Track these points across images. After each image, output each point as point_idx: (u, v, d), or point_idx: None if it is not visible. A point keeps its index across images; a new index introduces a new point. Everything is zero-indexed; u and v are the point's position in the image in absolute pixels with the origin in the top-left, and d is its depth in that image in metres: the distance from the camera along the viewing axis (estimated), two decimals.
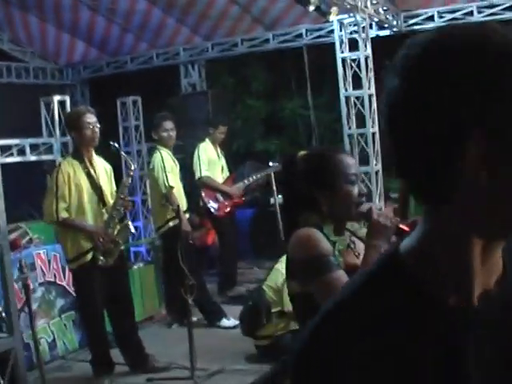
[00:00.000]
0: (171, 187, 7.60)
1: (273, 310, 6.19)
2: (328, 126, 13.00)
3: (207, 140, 8.92)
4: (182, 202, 7.62)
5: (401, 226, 2.69)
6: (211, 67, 12.22)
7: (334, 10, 7.85)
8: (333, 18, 8.14)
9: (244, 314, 6.50)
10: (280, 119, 13.33)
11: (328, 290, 2.60)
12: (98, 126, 6.00)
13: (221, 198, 8.80)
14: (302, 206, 2.89)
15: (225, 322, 7.74)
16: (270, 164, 9.41)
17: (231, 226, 9.16)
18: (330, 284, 2.61)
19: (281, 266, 6.26)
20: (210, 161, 8.81)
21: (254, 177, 9.28)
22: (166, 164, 7.69)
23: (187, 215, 7.63)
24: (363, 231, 2.95)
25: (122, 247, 6.24)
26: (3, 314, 3.25)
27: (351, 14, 8.65)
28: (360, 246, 2.94)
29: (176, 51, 11.46)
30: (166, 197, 7.54)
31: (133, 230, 6.24)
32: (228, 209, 8.90)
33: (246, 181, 9.21)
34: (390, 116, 1.05)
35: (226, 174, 9.09)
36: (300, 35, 10.71)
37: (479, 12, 9.98)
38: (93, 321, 6.09)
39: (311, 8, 7.47)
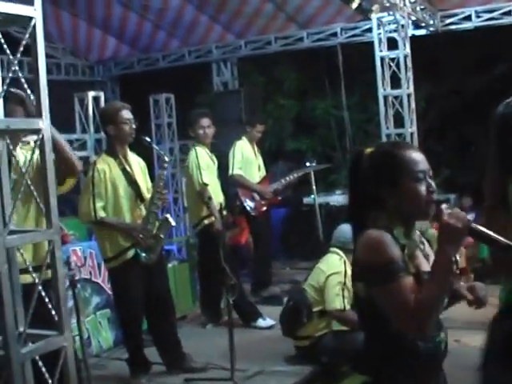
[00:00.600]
0: (205, 184, 7.51)
1: (314, 310, 6.07)
2: (360, 127, 12.89)
3: (244, 138, 8.81)
4: (219, 199, 7.50)
5: (474, 226, 2.49)
6: (242, 66, 12.13)
7: (376, 7, 7.74)
8: (374, 15, 8.00)
9: (284, 314, 6.37)
10: (311, 118, 13.23)
11: (390, 299, 2.52)
12: (134, 122, 5.90)
13: (257, 197, 8.68)
14: (369, 206, 2.75)
15: (261, 323, 7.62)
16: (307, 164, 9.31)
17: (267, 225, 9.05)
18: (392, 293, 2.51)
19: (323, 265, 6.18)
20: (247, 159, 8.70)
21: (292, 176, 9.14)
22: (201, 161, 7.60)
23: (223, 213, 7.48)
24: (431, 232, 2.83)
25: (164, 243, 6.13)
26: (53, 312, 3.11)
27: (390, 13, 8.53)
28: (428, 248, 2.83)
29: (208, 49, 11.38)
30: (200, 194, 7.47)
31: (173, 223, 6.09)
32: (264, 208, 8.78)
33: (283, 180, 9.09)
34: None
35: (263, 172, 8.97)
36: (334, 34, 10.61)
37: None
38: (131, 320, 5.97)
39: (354, 5, 7.35)
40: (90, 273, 7.01)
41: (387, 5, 8.19)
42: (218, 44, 11.29)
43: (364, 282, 2.63)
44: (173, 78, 11.65)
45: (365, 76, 12.99)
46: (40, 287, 3.05)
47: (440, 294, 2.47)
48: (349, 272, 6.06)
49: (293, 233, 10.82)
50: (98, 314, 7.07)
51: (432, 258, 2.66)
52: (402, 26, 8.78)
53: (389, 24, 8.88)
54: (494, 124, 3.35)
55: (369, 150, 2.84)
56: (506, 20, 9.91)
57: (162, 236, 5.88)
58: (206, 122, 7.71)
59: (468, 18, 10.08)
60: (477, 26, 10.10)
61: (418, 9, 9.33)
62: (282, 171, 10.68)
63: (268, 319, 7.63)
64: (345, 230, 6.36)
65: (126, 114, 5.82)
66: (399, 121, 9.14)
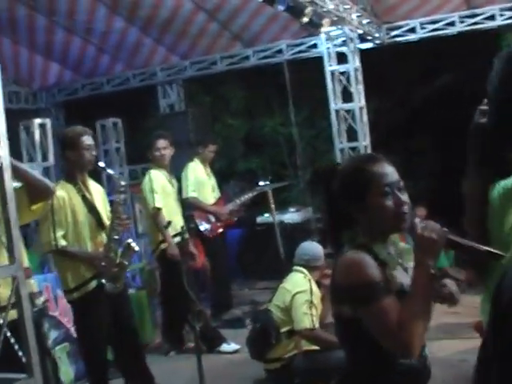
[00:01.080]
0: (158, 209, 7.35)
1: (282, 330, 5.92)
2: (309, 143, 12.87)
3: (196, 160, 8.65)
4: (179, 223, 7.30)
5: (451, 236, 2.42)
6: (188, 87, 11.98)
7: (326, 21, 7.69)
8: (324, 29, 7.96)
9: (252, 337, 6.20)
10: (260, 137, 13.15)
11: (374, 320, 2.45)
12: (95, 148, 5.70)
13: (213, 219, 8.53)
14: (345, 224, 2.70)
15: (225, 347, 7.44)
16: (261, 183, 9.21)
17: (223, 247, 8.91)
18: (376, 315, 2.43)
19: (287, 284, 6.04)
20: (200, 181, 8.54)
21: (246, 196, 9.02)
22: (155, 185, 7.43)
23: (179, 238, 7.27)
24: (401, 245, 2.73)
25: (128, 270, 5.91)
26: (20, 353, 2.90)
27: (339, 26, 8.50)
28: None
29: (153, 71, 11.21)
30: (154, 218, 7.31)
31: (137, 249, 5.87)
32: (220, 229, 8.63)
33: (237, 200, 8.96)
34: None
35: (217, 194, 8.82)
36: (280, 51, 10.54)
37: (461, 22, 9.91)
38: (95, 351, 5.72)
39: (305, 20, 7.27)
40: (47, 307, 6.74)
41: (335, 19, 8.14)
42: (163, 66, 11.12)
43: (348, 305, 2.55)
44: (119, 101, 11.44)
45: (312, 92, 13.01)
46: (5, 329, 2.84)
47: (422, 309, 2.41)
48: (314, 290, 5.96)
49: (249, 253, 10.67)
50: (57, 348, 6.80)
51: (411, 270, 2.59)
52: (351, 39, 8.75)
53: (337, 38, 8.84)
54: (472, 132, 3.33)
55: (339, 165, 2.82)
56: (450, 30, 10.00)
57: (125, 263, 5.66)
58: (162, 143, 7.54)
59: (413, 30, 10.13)
60: (422, 38, 10.15)
61: (364, 22, 9.33)
62: (234, 191, 10.55)
63: (232, 343, 7.46)
64: (307, 247, 6.30)
65: (87, 139, 5.60)
66: (352, 135, 9.10)
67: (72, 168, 5.69)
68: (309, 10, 7.06)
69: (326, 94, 9.67)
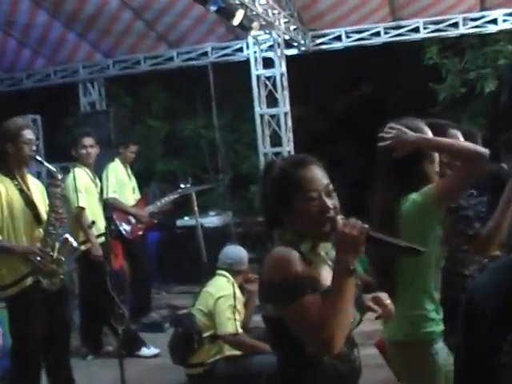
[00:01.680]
0: (81, 208, 7.16)
1: (204, 335, 5.83)
2: (230, 147, 12.83)
3: (117, 160, 8.48)
4: (101, 224, 7.12)
5: (372, 233, 2.39)
6: (110, 86, 11.78)
7: (256, 25, 7.66)
8: (254, 33, 7.93)
9: (174, 341, 6.08)
10: (181, 139, 13.04)
11: (296, 318, 2.41)
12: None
13: (133, 221, 8.37)
14: (273, 224, 2.67)
15: (145, 351, 7.30)
16: (182, 186, 9.11)
17: (143, 249, 8.76)
18: (297, 313, 2.39)
19: (210, 288, 5.95)
20: (121, 182, 8.37)
21: (167, 198, 8.89)
22: (79, 183, 7.22)
23: (102, 239, 7.12)
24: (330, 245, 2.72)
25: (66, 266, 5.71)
26: None
27: (267, 31, 8.49)
28: None
29: (75, 68, 10.99)
30: (77, 218, 7.13)
31: (75, 244, 5.69)
32: (141, 232, 8.48)
33: (158, 203, 8.81)
34: None
35: (138, 195, 8.67)
36: (205, 53, 10.46)
37: (386, 33, 10.06)
38: (29, 350, 5.50)
39: (236, 22, 7.22)
40: None
41: (263, 23, 8.13)
42: (86, 63, 10.90)
43: (271, 303, 2.52)
44: (39, 98, 11.16)
45: (235, 96, 12.99)
46: None
47: (342, 307, 2.35)
48: (238, 294, 5.90)
49: (168, 256, 10.53)
50: None
51: None
52: (278, 44, 8.76)
53: (264, 42, 8.84)
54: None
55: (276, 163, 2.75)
56: (375, 41, 10.14)
57: (63, 259, 5.48)
58: (88, 141, 7.34)
59: (338, 39, 10.22)
60: (347, 47, 10.25)
61: (291, 28, 9.35)
62: (155, 193, 10.39)
63: (152, 347, 7.33)
64: (231, 251, 6.24)
65: (29, 133, 5.42)
66: (275, 140, 9.09)
67: (10, 161, 5.49)
68: (240, 12, 7.02)
69: (249, 99, 9.66)
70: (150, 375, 6.65)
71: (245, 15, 7.27)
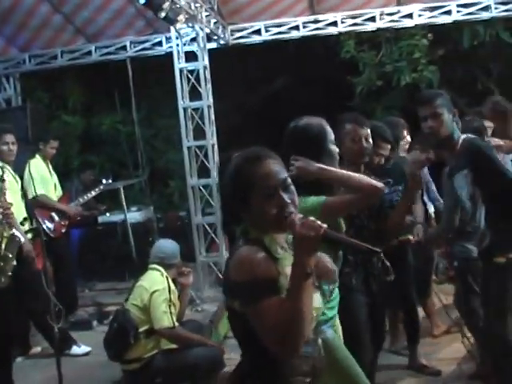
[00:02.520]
0: (10, 204, 6.96)
1: (140, 330, 5.76)
2: (148, 142, 12.75)
3: (38, 156, 8.29)
4: (26, 220, 6.95)
5: (329, 233, 2.39)
6: (26, 81, 11.49)
7: (181, 18, 7.63)
8: (179, 25, 7.89)
9: (109, 338, 5.97)
10: (98, 135, 12.87)
11: (258, 320, 2.40)
12: None
13: (56, 218, 8.21)
14: (233, 220, 2.69)
15: (76, 350, 7.17)
16: (103, 181, 9.01)
17: (67, 247, 8.60)
18: (259, 315, 2.39)
19: (145, 283, 5.85)
20: (43, 178, 8.20)
21: (90, 194, 8.77)
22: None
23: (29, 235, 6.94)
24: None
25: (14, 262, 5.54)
26: None
27: (190, 24, 8.46)
28: None
29: None
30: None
31: (22, 239, 5.54)
32: (64, 229, 8.32)
33: (81, 199, 8.69)
34: None
35: (60, 192, 8.50)
36: (124, 47, 10.32)
37: (304, 27, 10.15)
38: None
39: (162, 15, 7.16)
40: None
41: (186, 16, 8.09)
42: (0, 58, 10.59)
43: (238, 301, 2.49)
44: None
45: (153, 90, 12.90)
46: None
47: (300, 309, 2.34)
48: (172, 287, 5.86)
49: (90, 254, 10.40)
50: None
51: None
52: (202, 37, 8.75)
53: (187, 35, 8.81)
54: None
55: (234, 156, 2.73)
56: (293, 34, 10.22)
57: (10, 256, 5.33)
58: (9, 137, 7.14)
59: (257, 32, 10.26)
60: (266, 40, 10.30)
61: (211, 22, 9.33)
62: (76, 189, 10.23)
63: (83, 346, 7.21)
64: (163, 245, 6.19)
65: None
66: (198, 133, 9.07)
67: None
68: (166, 4, 6.98)
69: (166, 93, 9.60)
70: (84, 373, 6.55)
71: (170, 8, 7.22)
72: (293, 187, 2.59)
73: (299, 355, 2.45)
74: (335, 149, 3.77)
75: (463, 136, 4.63)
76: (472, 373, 5.78)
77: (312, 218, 2.40)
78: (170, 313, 5.68)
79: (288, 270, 2.50)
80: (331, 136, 3.75)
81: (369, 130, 4.43)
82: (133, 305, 5.82)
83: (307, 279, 2.35)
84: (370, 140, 4.43)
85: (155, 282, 5.83)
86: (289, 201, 2.53)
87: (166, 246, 6.21)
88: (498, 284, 4.56)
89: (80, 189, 10.26)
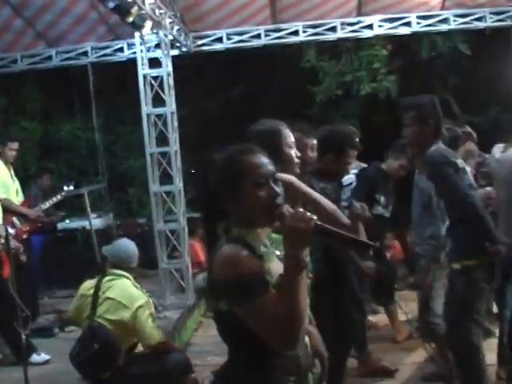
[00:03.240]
0: None
1: (124, 347, 5.55)
2: (108, 148, 12.69)
3: None
4: None
5: (319, 224, 2.38)
6: None
7: (148, 23, 7.63)
8: (146, 31, 7.88)
9: (87, 359, 5.40)
10: (57, 141, 12.77)
11: (253, 319, 2.40)
12: None
13: (18, 224, 8.10)
14: (218, 217, 2.65)
15: (36, 358, 7.04)
16: (65, 188, 8.95)
17: (28, 254, 8.46)
18: (254, 313, 2.38)
19: (120, 297, 5.57)
20: (4, 183, 8.07)
21: (51, 201, 8.69)
22: None
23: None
24: (273, 236, 2.71)
25: None
26: None
27: (154, 31, 8.46)
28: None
29: None
30: None
31: None
32: (25, 235, 8.22)
33: (42, 205, 8.59)
34: None
35: (21, 197, 8.39)
36: (85, 53, 10.26)
37: (266, 35, 10.22)
38: None
39: (130, 20, 7.15)
40: None
41: (151, 23, 8.09)
42: None
43: (226, 301, 2.48)
44: None
45: (113, 97, 12.84)
46: None
47: (297, 301, 2.35)
48: (149, 299, 5.74)
49: (49, 260, 10.29)
50: None
51: None
52: (165, 44, 8.76)
53: (150, 42, 8.81)
54: None
55: (216, 156, 2.71)
56: (255, 43, 10.27)
57: None
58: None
59: (219, 40, 10.28)
60: (228, 48, 10.34)
61: (174, 28, 9.34)
62: (35, 195, 10.13)
63: (42, 354, 7.12)
64: (129, 247, 5.95)
65: None
66: (162, 139, 9.05)
67: None
68: (135, 9, 6.97)
69: (127, 100, 9.56)
70: (45, 381, 6.45)
71: (137, 14, 7.22)
72: (280, 183, 2.61)
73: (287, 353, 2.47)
74: (292, 153, 3.71)
75: (434, 147, 4.71)
76: (433, 374, 5.92)
77: (302, 210, 2.40)
78: (157, 326, 5.64)
79: (272, 266, 2.53)
80: (288, 139, 3.69)
81: (315, 141, 4.45)
82: (107, 320, 5.53)
83: (301, 272, 2.34)
84: (315, 150, 4.44)
85: (133, 296, 5.60)
86: (279, 192, 2.56)
87: (131, 247, 5.97)
88: (457, 289, 4.68)
89: (39, 195, 10.17)
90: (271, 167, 2.60)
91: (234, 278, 2.40)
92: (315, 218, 2.37)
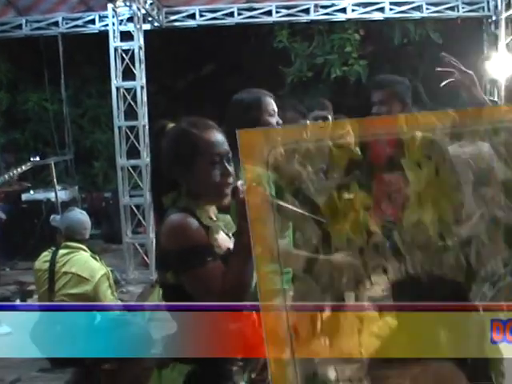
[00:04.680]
0: None
1: None
2: (75, 121, 12.58)
3: None
4: None
5: (275, 201, 2.32)
6: None
7: None
8: (119, 3, 7.82)
9: None
10: (24, 112, 12.63)
11: (198, 283, 2.43)
12: None
13: None
14: (168, 187, 2.64)
15: None
16: (31, 158, 8.88)
17: None
18: (200, 278, 2.41)
19: (77, 269, 5.53)
20: None
21: (15, 171, 8.60)
22: None
23: None
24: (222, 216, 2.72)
25: None
26: None
27: (127, 4, 8.40)
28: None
29: None
30: None
31: None
32: None
33: (6, 175, 8.50)
34: None
35: None
36: (56, 23, 10.11)
37: (239, 14, 10.16)
38: None
39: None
40: None
41: None
42: None
43: (171, 271, 2.50)
44: None
45: (82, 69, 12.71)
46: None
47: (246, 271, 2.36)
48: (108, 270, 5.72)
49: (12, 232, 10.18)
50: None
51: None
52: (138, 17, 8.70)
53: (123, 15, 8.75)
54: None
55: (170, 125, 2.70)
56: (228, 21, 10.22)
57: None
58: None
59: (192, 16, 10.22)
60: (200, 25, 10.27)
61: (147, 2, 9.27)
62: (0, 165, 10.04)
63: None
64: (82, 218, 5.85)
65: None
66: (130, 114, 9.01)
67: None
68: None
69: (96, 72, 9.47)
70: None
71: None
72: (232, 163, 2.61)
73: None
74: (274, 121, 3.64)
75: None
76: None
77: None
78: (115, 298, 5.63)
79: (219, 238, 2.56)
80: (270, 107, 3.62)
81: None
82: (68, 294, 5.49)
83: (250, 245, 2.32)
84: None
85: (94, 268, 5.56)
86: (232, 172, 2.58)
87: (84, 219, 5.88)
88: None
89: (2, 166, 10.08)
90: (226, 146, 2.60)
91: (180, 244, 2.43)
92: (272, 194, 2.33)
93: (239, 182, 2.46)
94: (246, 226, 2.29)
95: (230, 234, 2.67)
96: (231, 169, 2.58)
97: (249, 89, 3.73)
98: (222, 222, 2.68)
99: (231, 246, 2.58)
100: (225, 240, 2.60)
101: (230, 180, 2.55)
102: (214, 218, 2.64)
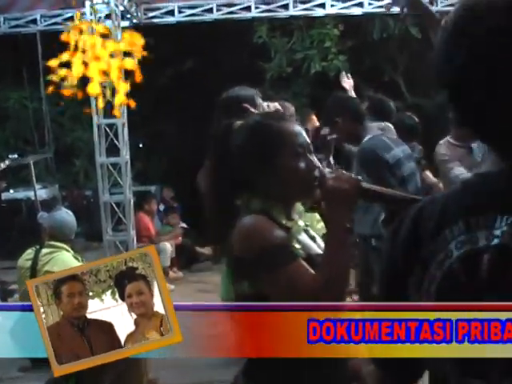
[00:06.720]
0: None
1: None
2: (55, 119, 12.54)
3: None
4: None
5: (365, 185, 2.22)
6: None
7: None
8: (96, 1, 7.79)
9: None
10: (4, 110, 12.59)
11: (284, 284, 2.16)
12: None
13: None
14: (239, 189, 2.40)
15: None
16: (9, 156, 8.86)
17: None
18: (286, 278, 2.16)
19: (54, 268, 5.46)
20: None
21: None
22: None
23: None
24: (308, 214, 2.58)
25: None
26: None
27: (105, 0, 8.38)
28: (316, 227, 2.59)
29: None
30: None
31: None
32: None
33: None
34: None
35: None
36: (34, 21, 10.07)
37: (218, 10, 10.15)
38: None
39: None
40: None
41: None
42: None
43: (251, 277, 2.25)
44: None
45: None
46: None
47: (343, 266, 2.19)
48: None
49: None
50: None
51: (318, 240, 2.42)
52: (116, 15, 8.68)
53: (101, 12, 8.72)
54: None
55: (238, 123, 2.50)
56: (207, 17, 10.20)
57: None
58: None
59: (171, 13, 10.19)
60: (179, 21, 10.25)
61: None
62: None
63: None
64: (65, 218, 5.79)
65: None
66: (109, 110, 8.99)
67: None
68: None
69: None
70: None
71: None
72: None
73: None
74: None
75: (369, 135, 4.75)
76: None
77: (342, 171, 2.27)
78: None
79: (302, 239, 2.36)
80: (260, 109, 3.47)
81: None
82: None
83: (347, 236, 2.18)
84: None
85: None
86: (318, 164, 2.41)
87: (70, 219, 5.82)
88: None
89: None
90: (307, 137, 2.41)
91: (259, 247, 2.20)
92: (359, 177, 2.23)
93: (327, 170, 2.34)
94: (337, 216, 2.18)
95: (315, 234, 2.48)
96: (316, 161, 2.41)
97: (237, 87, 3.63)
98: (309, 220, 2.54)
99: (316, 250, 2.37)
100: (308, 242, 2.40)
101: (316, 173, 2.32)
102: (296, 218, 2.42)
